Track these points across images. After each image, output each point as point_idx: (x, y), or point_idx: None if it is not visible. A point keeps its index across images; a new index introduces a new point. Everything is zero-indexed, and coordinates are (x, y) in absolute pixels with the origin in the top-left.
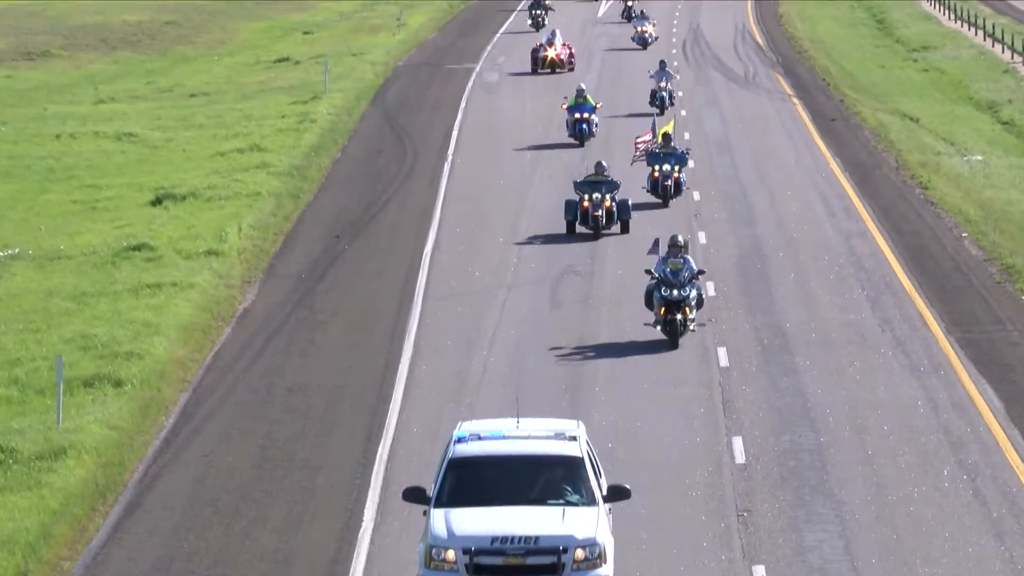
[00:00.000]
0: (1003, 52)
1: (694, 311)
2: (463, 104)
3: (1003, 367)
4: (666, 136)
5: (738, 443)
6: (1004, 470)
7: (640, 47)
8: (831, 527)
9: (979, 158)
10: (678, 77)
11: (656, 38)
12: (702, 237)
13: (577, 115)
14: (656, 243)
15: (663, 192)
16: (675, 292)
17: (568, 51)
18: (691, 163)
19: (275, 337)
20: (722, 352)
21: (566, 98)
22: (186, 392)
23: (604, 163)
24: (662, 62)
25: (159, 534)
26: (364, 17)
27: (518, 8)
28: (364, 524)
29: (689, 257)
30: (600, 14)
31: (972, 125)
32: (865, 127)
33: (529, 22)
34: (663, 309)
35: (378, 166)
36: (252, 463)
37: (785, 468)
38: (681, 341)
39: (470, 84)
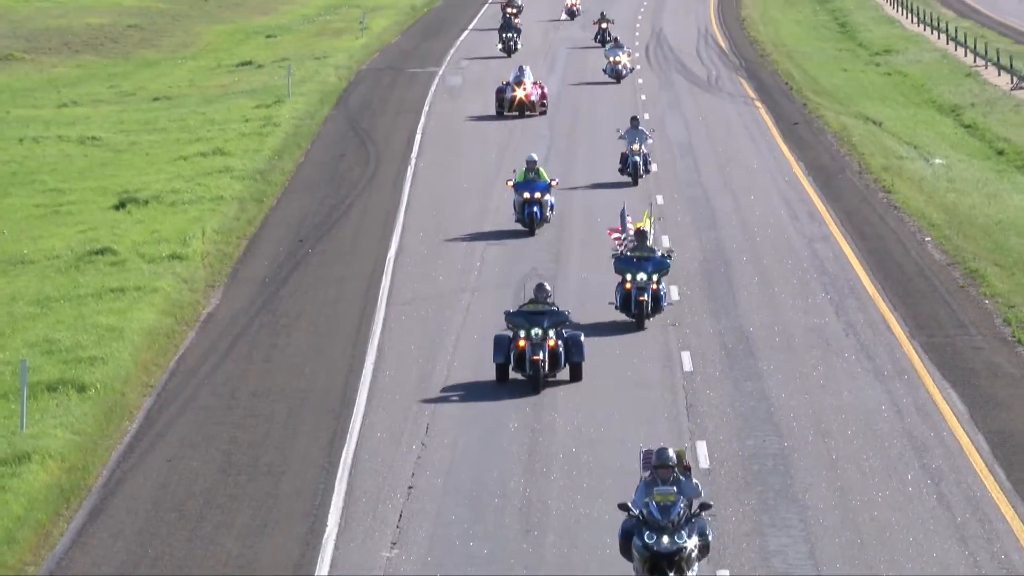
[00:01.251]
0: (965, 55)
1: (695, 567)
2: (426, 108)
3: (966, 371)
4: (641, 233)
5: (702, 447)
6: (968, 474)
7: (613, 80)
8: (795, 531)
9: (942, 162)
10: (652, 139)
11: (631, 70)
12: (665, 241)
13: (527, 195)
14: (646, 456)
15: (637, 310)
16: (665, 539)
17: (540, 90)
18: (654, 167)
19: (239, 341)
20: (686, 356)
21: (514, 171)
22: (150, 397)
23: (547, 287)
24: (634, 119)
25: (123, 539)
26: (327, 21)
27: (480, 12)
28: (328, 529)
29: (688, 479)
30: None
31: (935, 129)
32: (828, 131)
33: (499, 46)
34: (647, 565)
35: (341, 170)
36: (216, 468)
37: (749, 472)
38: (645, 347)
39: (433, 88)
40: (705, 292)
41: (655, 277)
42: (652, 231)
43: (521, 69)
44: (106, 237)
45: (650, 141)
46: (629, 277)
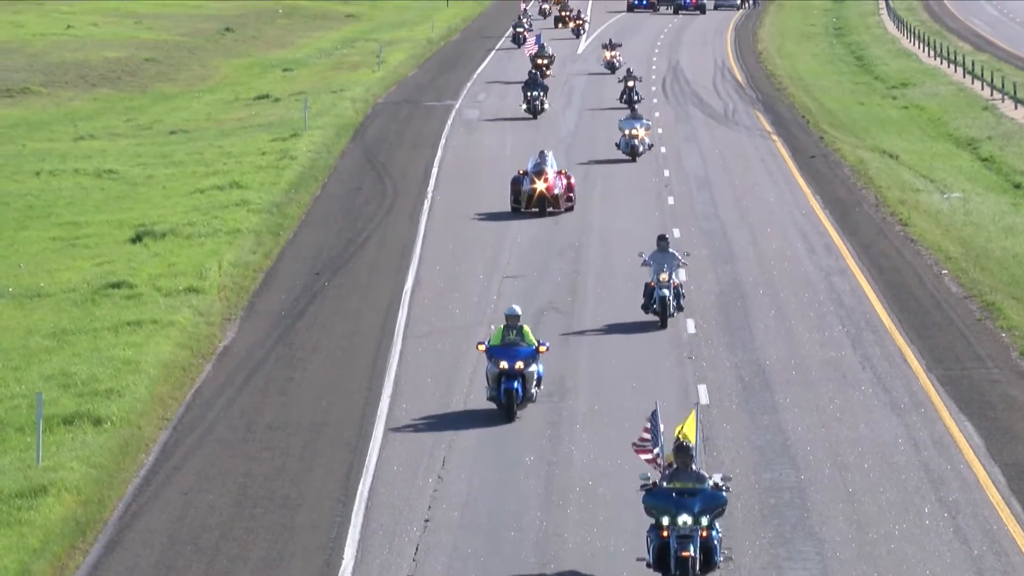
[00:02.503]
0: (982, 89)
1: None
2: (443, 141)
3: (983, 404)
4: (683, 449)
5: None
6: (984, 507)
7: (628, 157)
8: (812, 565)
9: (959, 195)
10: (686, 261)
11: (650, 146)
12: (682, 274)
13: (504, 364)
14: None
15: (679, 568)
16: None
17: (564, 181)
18: (670, 200)
19: (255, 374)
20: (702, 389)
21: (493, 328)
22: (166, 430)
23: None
24: (662, 239)
25: (139, 572)
26: (344, 54)
27: (497, 47)
28: (344, 562)
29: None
30: (580, 51)
31: (951, 162)
32: (845, 164)
33: (523, 106)
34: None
35: (358, 203)
36: (232, 501)
37: (766, 506)
38: (662, 380)
39: (450, 121)
40: (722, 325)
41: (704, 520)
42: (699, 441)
43: (542, 155)
44: (122, 270)
45: (683, 263)
46: (666, 521)
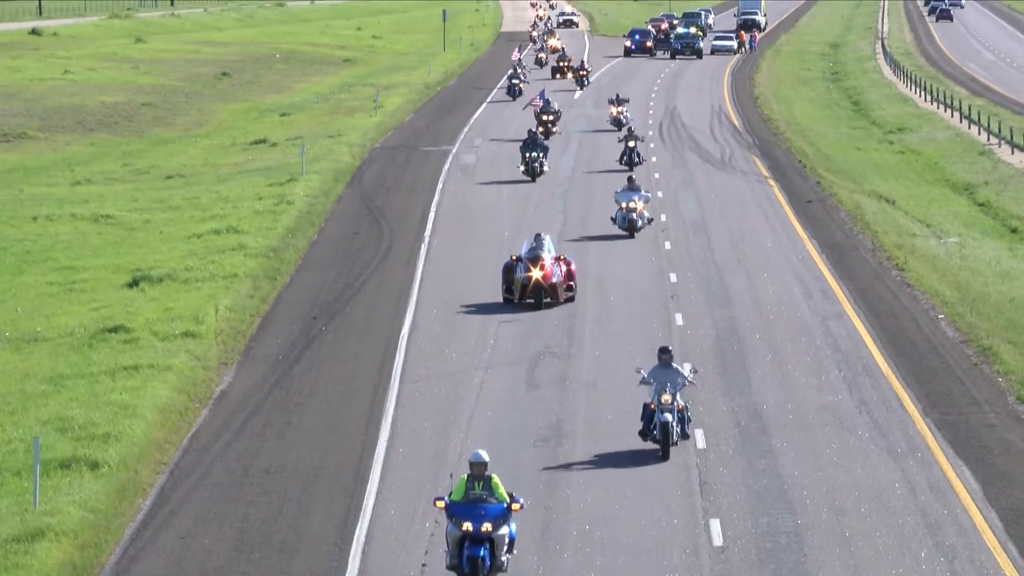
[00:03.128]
0: (979, 134)
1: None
2: (440, 186)
3: (980, 449)
4: (665, 351)
5: (716, 525)
6: (982, 552)
7: (626, 232)
8: None
9: (955, 240)
10: (694, 380)
11: (650, 220)
12: (679, 319)
13: (467, 525)
14: None
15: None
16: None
17: (563, 268)
18: (667, 244)
19: (252, 419)
20: (699, 434)
21: (453, 481)
22: (163, 474)
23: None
24: (665, 352)
25: None
26: (341, 99)
27: (493, 93)
28: None
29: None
30: (577, 96)
31: (948, 207)
32: (841, 209)
33: (521, 168)
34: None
35: (355, 248)
36: (229, 545)
37: (763, 551)
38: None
39: (447, 166)
40: (719, 369)
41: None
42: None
43: (538, 239)
44: (119, 315)
45: (688, 384)
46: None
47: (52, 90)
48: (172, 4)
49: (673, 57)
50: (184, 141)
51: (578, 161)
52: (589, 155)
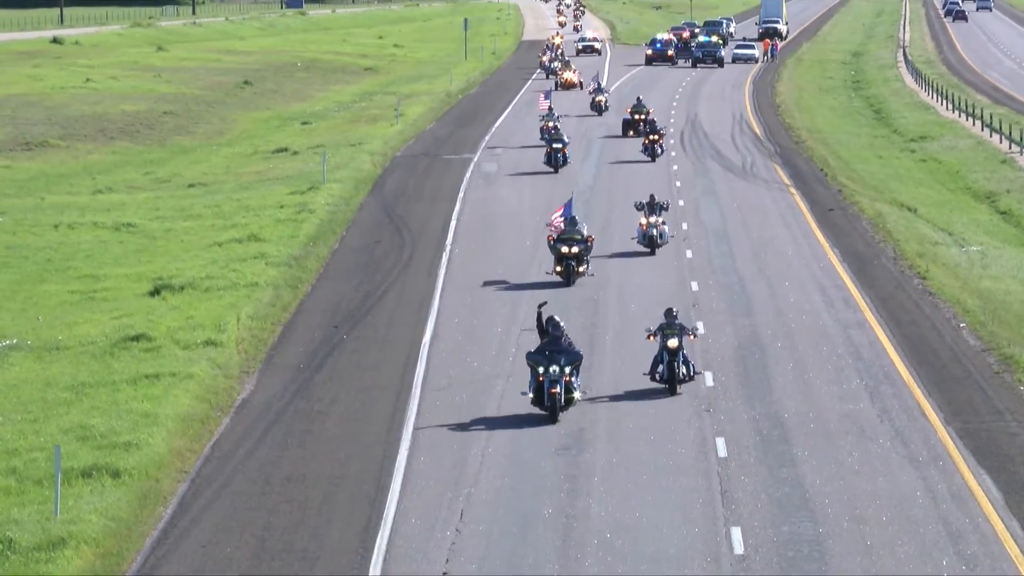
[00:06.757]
0: (1001, 142)
1: None
2: (461, 194)
3: (1002, 457)
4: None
5: (737, 534)
6: (1003, 561)
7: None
8: None
9: (977, 248)
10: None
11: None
12: (701, 327)
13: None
14: None
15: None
16: (553, 368)
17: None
18: (688, 253)
19: (273, 427)
20: (720, 442)
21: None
22: (184, 482)
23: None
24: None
25: None
26: (362, 107)
27: (515, 100)
28: None
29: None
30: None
31: (970, 215)
32: (863, 217)
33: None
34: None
35: (376, 256)
36: (250, 553)
37: (784, 559)
38: (680, 432)
39: (468, 174)
40: (740, 378)
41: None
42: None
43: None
44: (141, 323)
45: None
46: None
47: (74, 98)
48: (194, 12)
49: (694, 66)
50: (206, 150)
51: (599, 167)
52: (609, 165)
